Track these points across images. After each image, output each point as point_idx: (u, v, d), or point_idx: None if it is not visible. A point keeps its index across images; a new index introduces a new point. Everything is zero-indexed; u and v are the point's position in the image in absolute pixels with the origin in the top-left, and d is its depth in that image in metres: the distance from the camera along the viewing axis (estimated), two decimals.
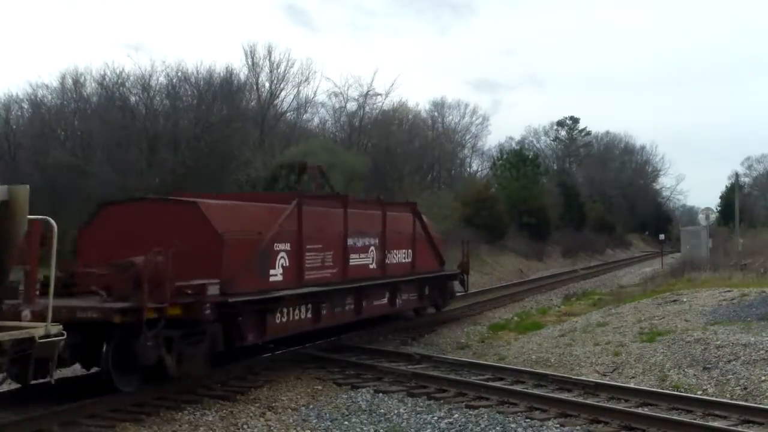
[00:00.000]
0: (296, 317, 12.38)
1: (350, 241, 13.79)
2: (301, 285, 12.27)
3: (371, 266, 14.75)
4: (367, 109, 50.58)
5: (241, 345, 11.24)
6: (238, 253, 10.86)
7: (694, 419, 8.99)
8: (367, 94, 49.91)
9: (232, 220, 11.27)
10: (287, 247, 12.05)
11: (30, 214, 6.96)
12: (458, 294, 20.05)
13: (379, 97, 50.66)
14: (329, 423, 9.49)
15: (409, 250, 16.48)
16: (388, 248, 15.26)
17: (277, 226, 11.80)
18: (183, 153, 44.18)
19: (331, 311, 13.39)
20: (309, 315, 12.77)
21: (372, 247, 14.65)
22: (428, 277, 17.45)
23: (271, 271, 11.72)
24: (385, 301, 15.64)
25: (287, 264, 12.02)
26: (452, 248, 20.94)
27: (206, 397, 10.35)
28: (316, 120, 52.98)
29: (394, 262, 15.75)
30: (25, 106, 53.90)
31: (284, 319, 12.01)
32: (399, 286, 15.89)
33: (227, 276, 10.52)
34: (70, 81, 51.07)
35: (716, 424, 8.70)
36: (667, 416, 8.99)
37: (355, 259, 14.06)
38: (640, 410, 9.36)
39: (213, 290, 10.10)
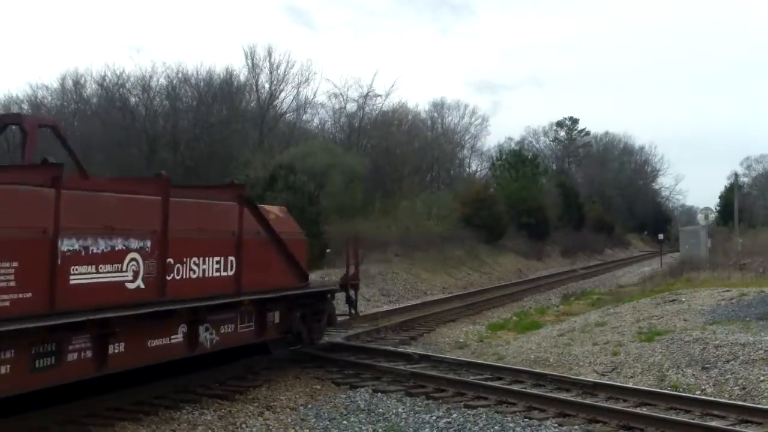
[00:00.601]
0: None
1: (66, 244, 8.17)
2: None
3: (130, 285, 9.12)
4: (366, 109, 50.77)
5: None
6: None
7: (693, 419, 8.99)
8: (367, 95, 50.11)
9: None
10: None
11: None
12: (344, 318, 15.28)
13: (378, 98, 50.86)
14: (328, 422, 9.49)
15: (231, 258, 10.74)
16: (177, 256, 9.83)
17: None
18: (182, 154, 44.27)
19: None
20: None
21: (134, 255, 9.21)
22: (274, 298, 11.62)
23: None
24: (170, 339, 9.79)
25: None
26: (453, 251, 20.86)
27: (205, 396, 10.34)
28: (316, 121, 53.13)
29: (195, 276, 10.18)
30: (26, 107, 54.01)
31: None
32: (202, 315, 10.13)
33: None
34: (70, 82, 51.22)
35: (714, 423, 8.70)
36: (665, 416, 8.99)
37: (84, 275, 8.39)
38: (638, 410, 9.36)
39: None
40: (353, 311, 14.35)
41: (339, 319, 14.65)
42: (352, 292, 14.16)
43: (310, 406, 10.32)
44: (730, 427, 8.51)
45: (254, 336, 11.60)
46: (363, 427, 9.24)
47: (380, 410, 9.98)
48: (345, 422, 9.48)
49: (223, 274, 10.68)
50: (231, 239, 10.84)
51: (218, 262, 10.56)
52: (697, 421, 8.86)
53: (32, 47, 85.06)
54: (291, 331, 12.40)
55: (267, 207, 12.51)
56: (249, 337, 11.50)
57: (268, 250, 11.68)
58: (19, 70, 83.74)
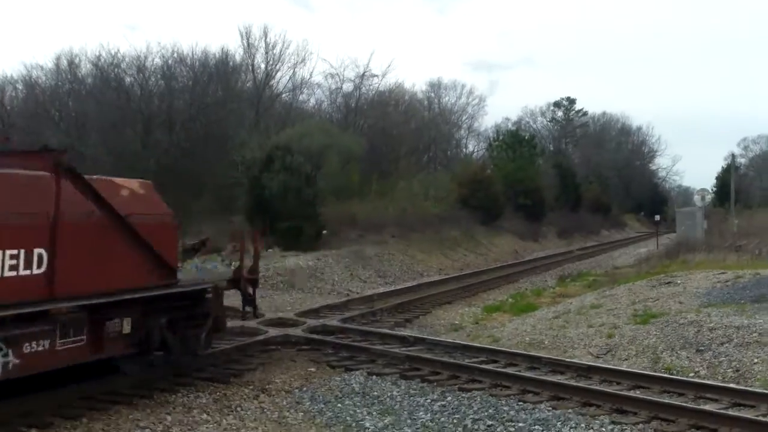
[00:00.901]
0: None
1: None
2: None
3: None
4: (363, 90, 50.46)
5: None
6: None
7: (686, 402, 9.02)
8: (363, 75, 49.80)
9: None
10: None
11: None
12: (244, 323, 13.19)
13: (375, 78, 50.53)
14: (323, 405, 9.51)
15: (39, 251, 7.82)
16: None
17: None
18: (178, 134, 44.08)
19: None
20: None
21: None
22: (117, 302, 8.83)
23: None
24: None
25: None
26: (449, 232, 20.76)
27: (199, 379, 10.37)
28: (312, 101, 52.83)
29: None
30: (20, 87, 53.70)
31: None
32: None
33: None
34: (65, 62, 50.84)
35: (707, 407, 8.73)
36: (659, 399, 9.02)
37: None
38: (631, 393, 9.39)
39: None
40: (250, 310, 11.99)
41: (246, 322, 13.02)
42: (250, 289, 11.84)
43: (305, 389, 10.33)
44: (722, 411, 8.54)
45: (86, 353, 8.64)
46: (358, 410, 9.26)
47: (375, 393, 10.00)
48: (340, 405, 9.50)
49: (23, 273, 7.64)
50: (40, 224, 7.89)
51: (14, 257, 7.56)
52: (690, 404, 8.88)
53: (27, 26, 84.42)
54: (151, 343, 9.57)
55: (119, 180, 9.56)
56: (77, 355, 8.48)
57: (110, 237, 8.76)
58: (14, 49, 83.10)
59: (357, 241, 28.41)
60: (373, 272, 24.78)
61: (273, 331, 13.58)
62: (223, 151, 40.02)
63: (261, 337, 13.07)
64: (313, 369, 11.47)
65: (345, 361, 11.81)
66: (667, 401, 8.97)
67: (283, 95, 50.69)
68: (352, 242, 28.32)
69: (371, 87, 50.78)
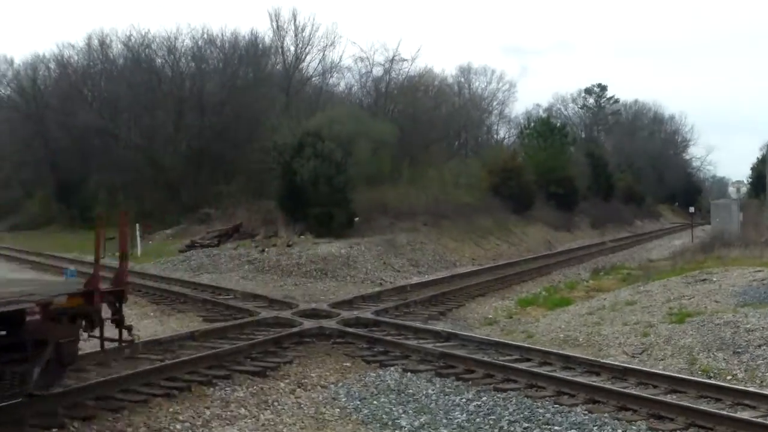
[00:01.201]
0: None
1: None
2: None
3: None
4: (393, 74, 50.14)
5: None
6: None
7: (723, 409, 8.94)
8: (393, 59, 49.45)
9: None
10: None
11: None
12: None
13: (405, 62, 50.16)
14: (358, 402, 9.57)
15: None
16: None
17: None
18: (209, 118, 44.31)
19: None
20: None
21: None
22: None
23: None
24: None
25: None
26: (481, 221, 20.59)
27: (237, 372, 10.49)
28: (342, 85, 52.72)
29: None
30: (52, 66, 54.34)
31: None
32: None
33: None
34: (96, 42, 51.46)
35: (745, 415, 8.65)
36: (696, 406, 8.95)
37: None
38: (668, 398, 9.32)
39: None
40: (123, 338, 9.10)
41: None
42: (114, 304, 8.92)
43: (340, 384, 10.40)
44: (759, 420, 8.45)
45: None
46: (393, 408, 9.30)
47: (410, 391, 10.02)
48: (375, 402, 9.55)
49: None
50: None
51: None
52: (728, 411, 8.80)
53: (59, 6, 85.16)
54: None
55: None
56: None
57: None
58: (47, 29, 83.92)
59: (389, 229, 28.43)
60: (405, 261, 24.78)
61: (307, 323, 13.69)
62: (254, 135, 40.18)
63: (296, 329, 13.19)
64: (348, 364, 11.52)
65: (380, 356, 11.84)
66: (704, 408, 8.89)
67: (313, 79, 50.65)
68: (384, 230, 28.35)
69: (401, 72, 50.49)
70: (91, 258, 9.64)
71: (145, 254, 28.42)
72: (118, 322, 8.96)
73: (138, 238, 28.94)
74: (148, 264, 25.57)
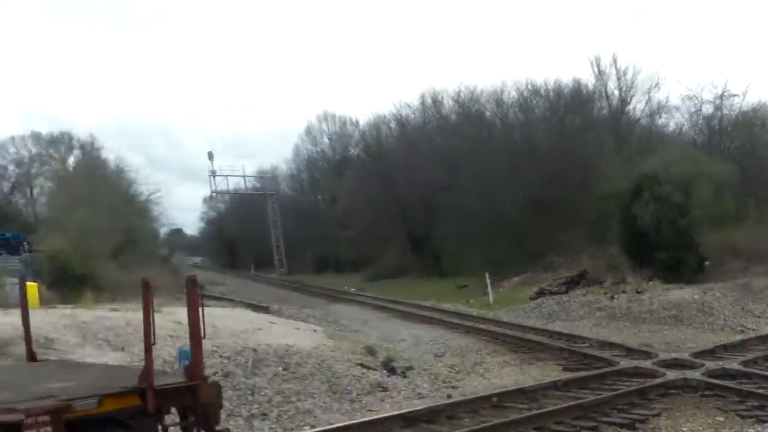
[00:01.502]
0: None
1: None
2: None
3: None
4: (724, 110, 47.42)
5: None
6: None
7: None
8: (722, 95, 46.79)
9: None
10: None
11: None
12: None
13: (735, 97, 47.19)
14: None
15: None
16: None
17: None
18: (541, 165, 45.34)
19: None
20: None
21: None
22: None
23: None
24: None
25: None
26: None
27: (604, 423, 10.68)
28: (672, 124, 50.97)
29: None
30: (393, 126, 59.93)
31: None
32: None
33: None
34: (429, 99, 55.89)
35: None
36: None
37: None
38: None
39: None
40: None
41: None
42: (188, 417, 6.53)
43: None
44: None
45: None
46: None
47: None
48: None
49: None
50: None
51: None
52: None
53: (395, 69, 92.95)
54: None
55: None
56: None
57: None
58: (385, 90, 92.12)
59: (741, 272, 26.66)
60: (766, 306, 23.00)
61: (670, 374, 13.43)
62: (586, 180, 40.25)
63: (659, 380, 13.06)
64: (720, 418, 11.08)
65: (755, 410, 11.31)
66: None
67: (641, 120, 49.69)
68: (737, 273, 26.63)
69: (732, 107, 47.55)
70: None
71: (497, 302, 29.68)
72: None
73: (489, 286, 30.50)
74: (500, 311, 26.66)
